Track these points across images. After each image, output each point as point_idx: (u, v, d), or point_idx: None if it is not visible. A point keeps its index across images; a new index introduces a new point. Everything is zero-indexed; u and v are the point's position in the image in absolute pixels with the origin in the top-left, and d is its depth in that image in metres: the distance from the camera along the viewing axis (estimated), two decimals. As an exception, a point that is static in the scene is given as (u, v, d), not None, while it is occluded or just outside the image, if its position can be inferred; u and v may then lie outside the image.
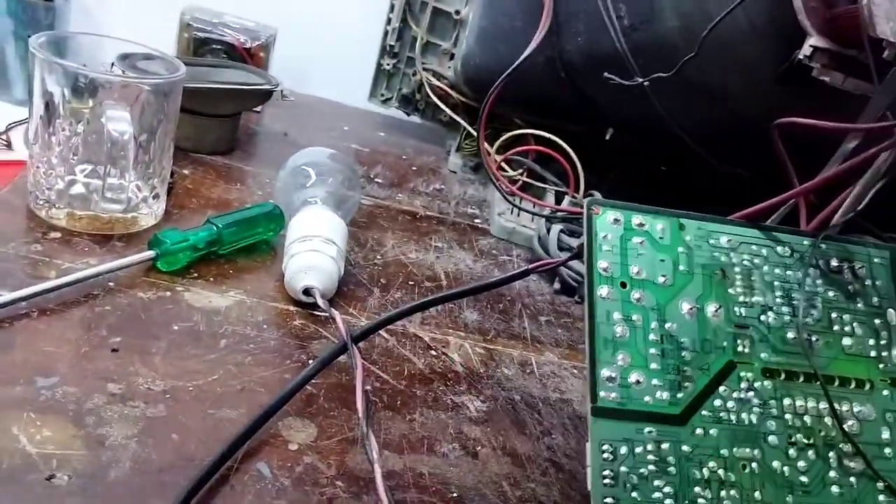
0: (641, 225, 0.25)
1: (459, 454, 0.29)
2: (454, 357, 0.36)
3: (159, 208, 0.39)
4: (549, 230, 0.47)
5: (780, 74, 0.31)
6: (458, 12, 0.59)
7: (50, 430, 0.24)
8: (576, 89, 0.50)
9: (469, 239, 0.50)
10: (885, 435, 0.25)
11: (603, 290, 0.24)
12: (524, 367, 0.36)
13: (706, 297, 0.25)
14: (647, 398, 0.23)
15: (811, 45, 0.29)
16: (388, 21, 0.62)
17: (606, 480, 0.22)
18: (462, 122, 0.60)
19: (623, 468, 0.22)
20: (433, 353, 0.35)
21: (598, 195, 0.26)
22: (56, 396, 0.26)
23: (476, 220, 0.53)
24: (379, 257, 0.43)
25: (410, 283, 0.41)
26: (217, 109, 0.49)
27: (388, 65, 0.64)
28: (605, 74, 0.42)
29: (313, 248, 0.35)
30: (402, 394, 0.32)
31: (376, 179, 0.55)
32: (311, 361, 0.31)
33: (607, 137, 0.50)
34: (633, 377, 0.23)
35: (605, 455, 0.22)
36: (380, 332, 0.36)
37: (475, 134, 0.52)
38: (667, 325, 0.24)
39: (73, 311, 0.30)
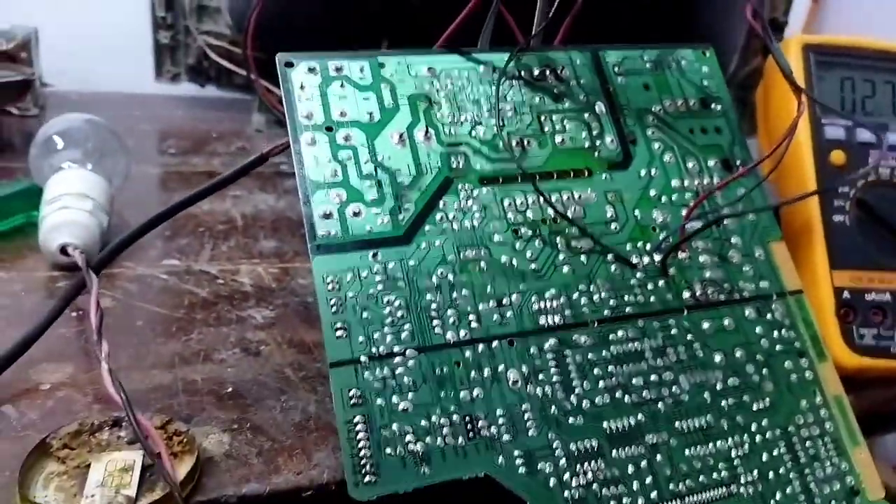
0: (340, 69, 0.25)
1: (239, 357, 0.28)
2: (244, 280, 0.35)
3: None
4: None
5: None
6: (216, -34, 0.57)
7: None
8: (342, 5, 0.50)
9: (273, 183, 0.48)
10: (609, 213, 0.26)
11: (306, 137, 0.24)
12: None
13: (414, 125, 0.25)
14: (368, 227, 0.23)
15: None
16: (150, -9, 0.59)
17: (333, 308, 0.22)
18: (254, 76, 0.58)
19: (350, 293, 0.22)
20: (220, 281, 0.34)
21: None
22: None
23: (283, 167, 0.52)
24: (164, 213, 0.41)
25: (200, 229, 0.40)
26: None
27: (165, 38, 0.61)
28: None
29: (63, 206, 0.33)
30: (180, 321, 0.30)
31: (168, 151, 0.53)
32: (73, 314, 0.29)
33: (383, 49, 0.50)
34: (350, 210, 0.23)
35: (330, 287, 0.22)
36: (158, 274, 0.34)
37: (272, 89, 0.51)
38: (379, 158, 0.24)
39: None
